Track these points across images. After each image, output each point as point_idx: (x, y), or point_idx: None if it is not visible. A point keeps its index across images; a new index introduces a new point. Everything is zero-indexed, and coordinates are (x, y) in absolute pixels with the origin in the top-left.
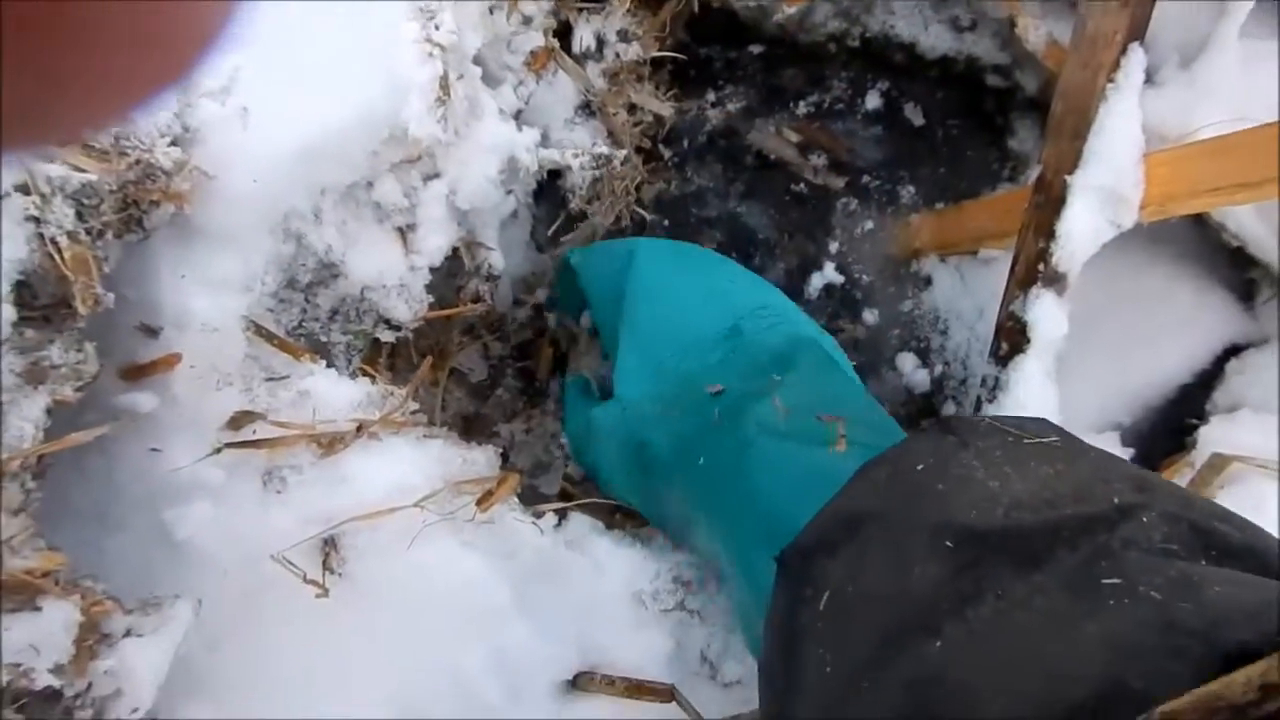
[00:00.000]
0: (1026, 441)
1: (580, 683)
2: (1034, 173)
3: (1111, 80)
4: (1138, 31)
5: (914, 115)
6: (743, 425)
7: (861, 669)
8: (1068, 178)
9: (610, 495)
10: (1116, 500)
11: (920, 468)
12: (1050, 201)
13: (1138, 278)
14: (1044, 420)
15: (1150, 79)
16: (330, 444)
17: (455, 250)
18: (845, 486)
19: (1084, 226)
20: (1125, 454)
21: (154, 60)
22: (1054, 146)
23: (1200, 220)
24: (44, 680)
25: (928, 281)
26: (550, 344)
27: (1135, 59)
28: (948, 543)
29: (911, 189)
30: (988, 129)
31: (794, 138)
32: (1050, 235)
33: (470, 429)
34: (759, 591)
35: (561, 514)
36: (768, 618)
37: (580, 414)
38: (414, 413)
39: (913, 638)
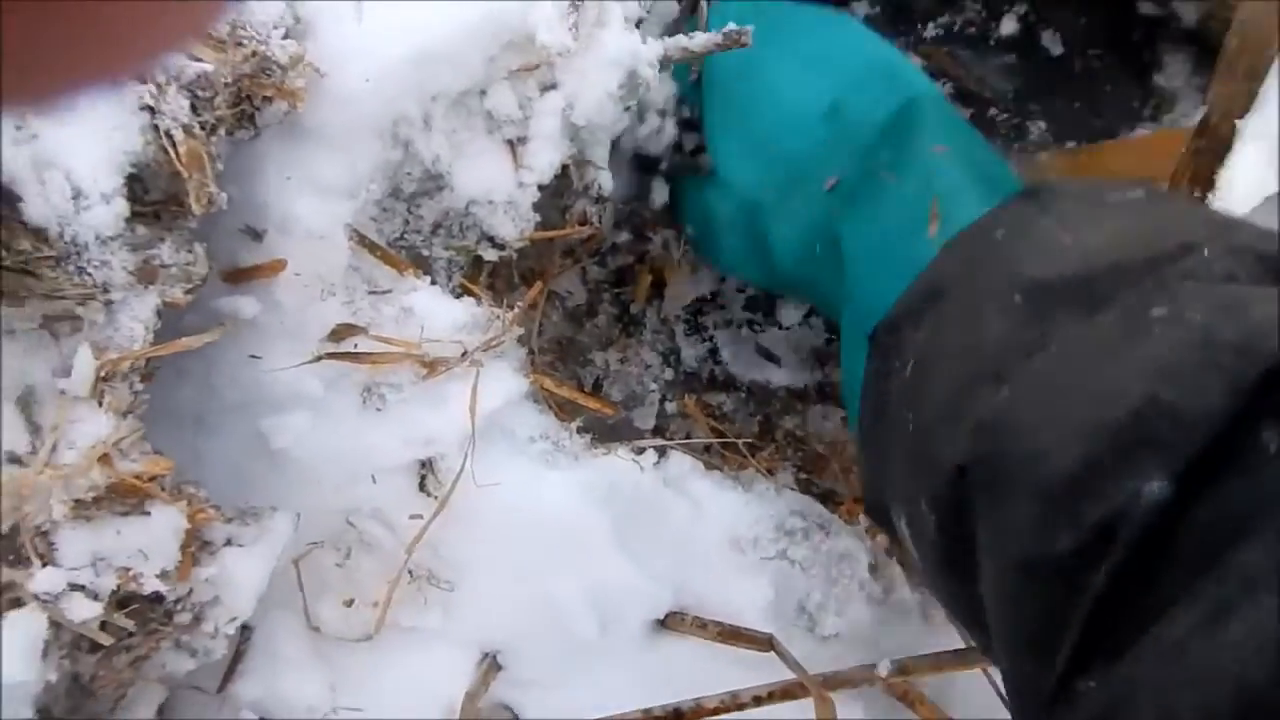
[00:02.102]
0: (1109, 198)
1: (671, 623)
2: (1181, 113)
3: None
4: None
5: (1052, 43)
6: (850, 216)
7: (936, 421)
8: (1237, 122)
9: (734, 274)
10: (1184, 239)
11: (1000, 234)
12: (1213, 147)
13: None
14: (1138, 181)
15: None
16: (433, 366)
17: (564, 168)
18: (931, 261)
19: (1248, 177)
20: None
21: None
22: (1224, 86)
23: None
24: (151, 585)
25: None
26: (650, 270)
27: None
28: (1016, 297)
29: (1042, 124)
30: (1133, 62)
31: (919, 63)
32: (1209, 185)
33: (565, 355)
34: (854, 376)
35: (661, 451)
36: (861, 392)
37: (697, 199)
38: (517, 338)
39: (982, 386)
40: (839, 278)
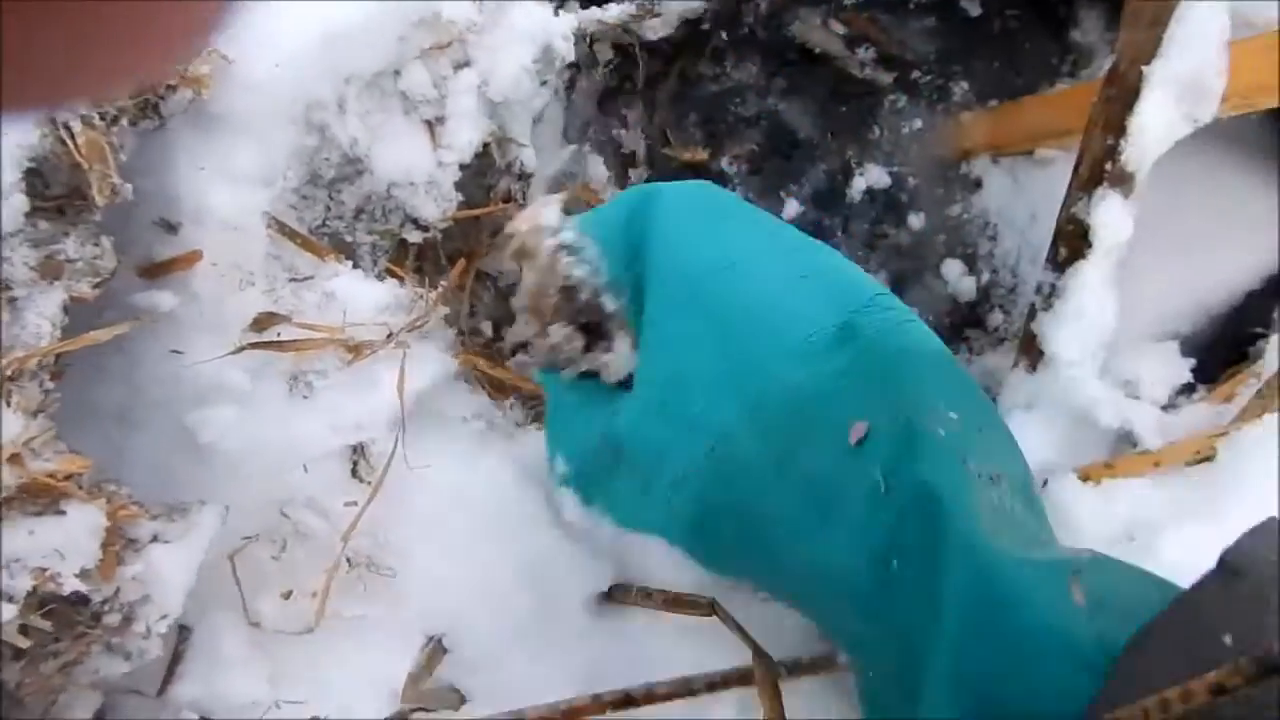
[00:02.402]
0: None
1: (615, 595)
2: (1098, 67)
3: None
4: None
5: (970, 5)
6: (938, 524)
7: None
8: (1144, 68)
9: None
10: None
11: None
12: (1122, 94)
13: (1206, 178)
14: None
15: None
16: (358, 349)
17: (485, 146)
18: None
19: (1158, 121)
20: (1185, 365)
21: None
22: (1130, 34)
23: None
24: (70, 585)
25: (978, 184)
26: None
27: None
28: None
29: (964, 85)
30: (1049, 19)
31: (841, 30)
32: (1120, 131)
33: (499, 335)
34: None
35: None
36: None
37: (587, 425)
38: (444, 317)
39: None
40: (932, 615)
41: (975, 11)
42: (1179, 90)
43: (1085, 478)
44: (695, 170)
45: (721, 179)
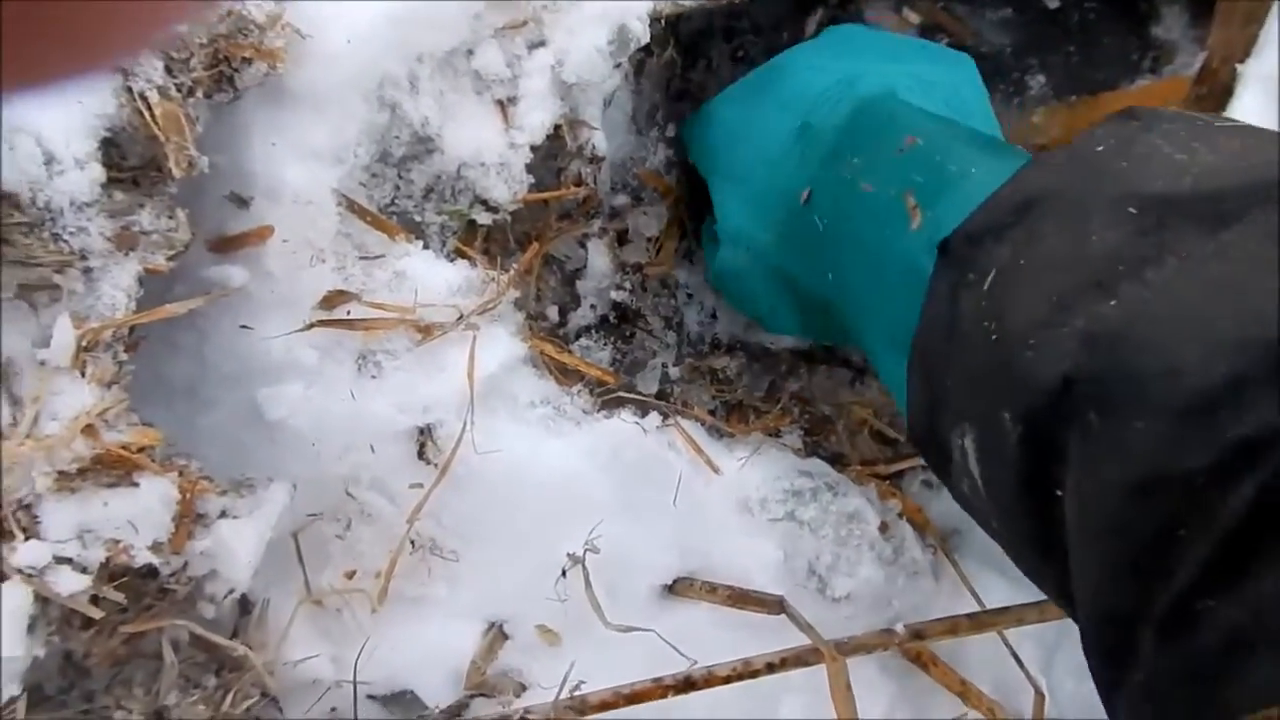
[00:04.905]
0: (1215, 121)
1: (679, 588)
2: (1181, 63)
3: None
4: None
5: None
6: (835, 231)
7: (1029, 330)
8: (1238, 66)
9: (773, 329)
10: None
11: (1100, 149)
12: (1214, 93)
13: None
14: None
15: None
16: (428, 330)
17: (557, 129)
18: (1017, 173)
19: (1250, 121)
20: None
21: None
22: (1223, 32)
23: None
24: (143, 557)
25: None
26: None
27: None
28: (1130, 209)
29: (1041, 79)
30: (1129, 13)
31: (915, 19)
32: None
33: (565, 319)
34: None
35: (665, 415)
36: (924, 308)
37: (711, 258)
38: (513, 301)
39: (1086, 297)
40: (843, 302)
41: (1053, 3)
42: (1272, 89)
43: None
44: None
45: None
